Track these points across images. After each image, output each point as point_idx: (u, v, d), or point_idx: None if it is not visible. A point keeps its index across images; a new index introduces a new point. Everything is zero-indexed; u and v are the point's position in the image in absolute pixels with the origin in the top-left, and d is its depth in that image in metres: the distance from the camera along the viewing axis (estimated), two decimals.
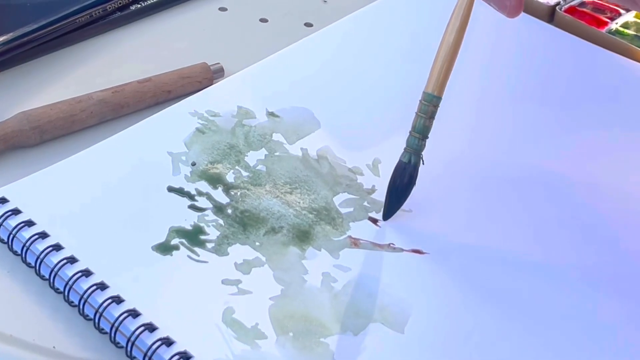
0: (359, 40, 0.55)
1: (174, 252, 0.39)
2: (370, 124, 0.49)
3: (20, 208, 0.40)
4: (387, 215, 0.42)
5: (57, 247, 0.38)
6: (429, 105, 0.41)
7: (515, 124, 0.50)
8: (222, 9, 0.60)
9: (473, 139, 0.48)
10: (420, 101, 0.41)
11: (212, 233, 0.41)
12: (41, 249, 0.38)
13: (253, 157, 0.45)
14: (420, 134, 0.41)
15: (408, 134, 0.42)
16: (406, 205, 0.43)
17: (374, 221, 0.42)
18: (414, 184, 0.42)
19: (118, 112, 0.48)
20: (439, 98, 0.41)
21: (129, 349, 0.35)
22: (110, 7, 0.55)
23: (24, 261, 0.39)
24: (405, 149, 0.42)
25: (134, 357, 0.35)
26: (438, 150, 0.47)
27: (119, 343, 0.36)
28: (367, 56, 0.54)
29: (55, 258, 0.38)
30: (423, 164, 0.42)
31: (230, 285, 0.38)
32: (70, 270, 0.37)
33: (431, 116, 0.41)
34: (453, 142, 0.48)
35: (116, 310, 0.36)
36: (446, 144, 0.47)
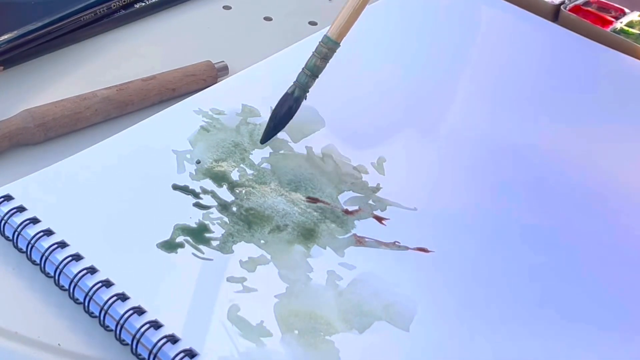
0: (362, 39, 0.55)
1: (179, 250, 0.39)
2: (374, 122, 0.49)
3: (25, 205, 0.40)
4: (264, 140, 0.45)
5: (62, 245, 0.38)
6: (324, 48, 0.44)
7: (520, 123, 0.50)
8: (227, 8, 0.60)
9: (478, 137, 0.48)
10: (319, 42, 0.45)
11: (217, 231, 0.41)
12: (46, 247, 0.38)
13: (258, 155, 0.45)
14: (310, 71, 0.45)
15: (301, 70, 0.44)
16: (411, 203, 0.43)
17: (379, 219, 0.42)
18: (292, 116, 0.45)
19: (122, 110, 0.48)
20: (336, 43, 0.45)
21: (134, 346, 0.35)
22: (114, 5, 0.55)
23: (29, 258, 0.39)
24: (294, 82, 0.45)
25: (140, 355, 0.35)
26: (444, 148, 0.47)
27: (124, 340, 0.36)
28: (371, 55, 0.54)
29: (60, 255, 0.38)
30: (306, 99, 0.45)
31: (236, 283, 0.38)
32: (75, 268, 0.37)
33: (324, 58, 0.44)
34: (458, 140, 0.48)
35: (121, 308, 0.36)
36: (452, 142, 0.47)
